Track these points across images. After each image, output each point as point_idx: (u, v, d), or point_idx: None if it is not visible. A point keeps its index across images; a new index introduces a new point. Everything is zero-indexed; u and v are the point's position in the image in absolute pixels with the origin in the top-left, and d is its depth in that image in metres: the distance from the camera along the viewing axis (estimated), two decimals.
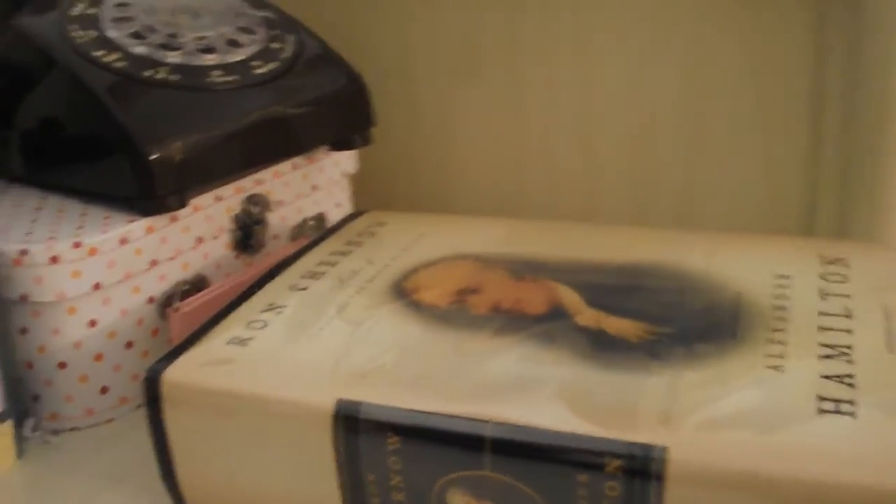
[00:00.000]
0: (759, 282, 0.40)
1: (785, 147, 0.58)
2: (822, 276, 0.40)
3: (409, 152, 0.68)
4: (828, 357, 0.34)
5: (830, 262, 0.42)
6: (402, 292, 0.41)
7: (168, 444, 0.37)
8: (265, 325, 0.39)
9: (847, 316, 0.37)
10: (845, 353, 0.34)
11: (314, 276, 0.44)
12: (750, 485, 0.29)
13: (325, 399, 0.34)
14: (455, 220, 0.50)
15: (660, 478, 0.30)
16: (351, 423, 0.33)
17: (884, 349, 0.34)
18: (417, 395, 0.33)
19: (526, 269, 0.43)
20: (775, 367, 0.33)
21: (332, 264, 0.45)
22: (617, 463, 0.30)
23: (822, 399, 0.31)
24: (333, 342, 0.37)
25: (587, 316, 0.38)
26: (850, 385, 0.32)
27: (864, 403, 0.31)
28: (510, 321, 0.38)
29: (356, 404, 0.33)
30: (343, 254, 0.46)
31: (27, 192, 0.51)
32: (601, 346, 0.36)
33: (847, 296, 0.39)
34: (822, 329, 0.36)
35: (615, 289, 0.40)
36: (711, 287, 0.40)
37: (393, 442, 0.33)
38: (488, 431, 0.31)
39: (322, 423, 0.34)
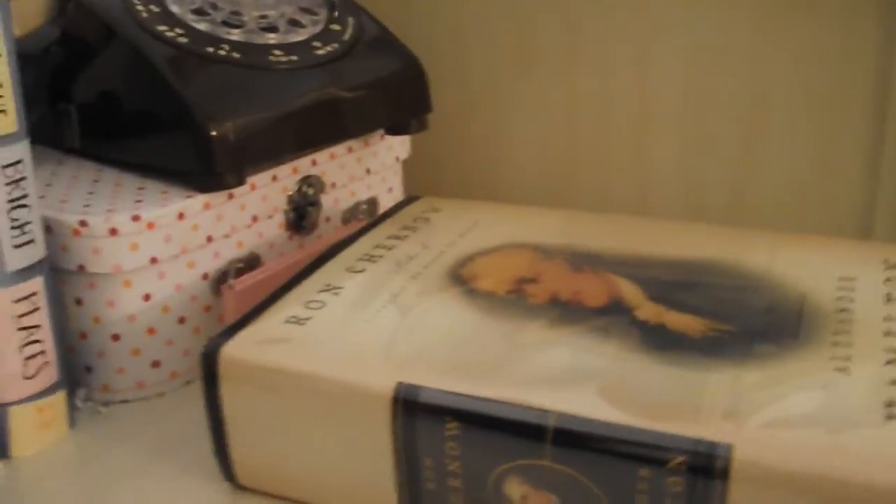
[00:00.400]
0: (822, 284, 0.40)
1: (844, 147, 0.57)
2: (887, 281, 0.40)
3: (461, 140, 0.68)
4: (894, 362, 0.33)
5: (895, 267, 0.41)
6: (459, 279, 0.41)
7: (223, 419, 0.37)
8: (322, 306, 0.39)
9: None
10: None
11: (371, 259, 0.44)
12: (816, 487, 0.28)
13: (385, 382, 0.34)
14: (510, 209, 0.50)
15: (724, 476, 0.29)
16: (410, 407, 0.33)
17: None
18: (476, 381, 0.33)
19: (585, 261, 0.43)
20: (841, 370, 0.33)
21: (389, 248, 0.45)
22: (680, 459, 0.30)
23: (891, 405, 0.31)
24: (390, 325, 0.37)
25: (647, 310, 0.38)
26: None
27: None
28: (569, 312, 0.38)
29: (416, 388, 0.33)
30: (399, 238, 0.46)
31: (84, 164, 0.51)
32: (662, 340, 0.35)
33: None
34: (888, 334, 0.35)
35: (675, 284, 0.40)
36: (773, 286, 0.39)
37: (452, 427, 0.32)
38: (551, 421, 0.31)
39: (381, 407, 0.33)
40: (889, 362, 0.33)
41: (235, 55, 0.49)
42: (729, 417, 0.30)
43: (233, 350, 0.37)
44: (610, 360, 0.34)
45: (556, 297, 0.39)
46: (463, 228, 0.47)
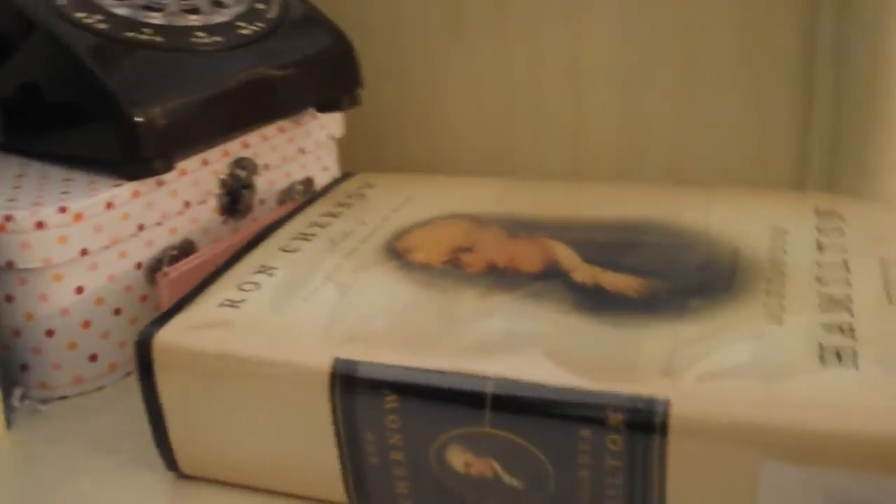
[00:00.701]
0: (755, 236, 0.40)
1: (777, 102, 0.57)
2: (819, 229, 0.40)
3: (397, 114, 0.67)
4: (828, 308, 0.34)
5: (826, 216, 0.42)
6: (395, 253, 0.41)
7: (161, 408, 0.37)
8: (257, 287, 0.39)
9: (845, 268, 0.37)
10: (844, 305, 0.34)
11: (305, 237, 0.43)
12: (754, 436, 0.29)
13: (322, 359, 0.33)
14: (446, 181, 0.50)
15: (663, 431, 0.29)
16: (348, 383, 0.33)
17: (884, 300, 0.34)
18: (414, 353, 0.33)
19: (521, 228, 0.42)
20: (774, 319, 0.33)
21: (323, 226, 0.44)
22: (619, 416, 0.30)
23: (825, 349, 0.31)
24: (327, 303, 0.37)
25: (583, 272, 0.38)
26: (852, 336, 0.32)
27: (867, 354, 0.31)
28: (505, 279, 0.37)
29: (353, 363, 0.33)
30: (333, 215, 0.45)
31: (8, 159, 0.50)
32: (598, 301, 0.35)
33: (844, 249, 0.38)
34: (821, 281, 0.36)
35: (611, 245, 0.40)
36: (708, 242, 0.40)
37: (391, 400, 0.32)
38: (489, 388, 0.31)
39: (319, 384, 0.33)
40: (822, 308, 0.34)
41: (158, 39, 0.48)
42: (665, 373, 0.30)
43: (166, 337, 0.36)
44: (546, 323, 0.34)
45: (493, 264, 0.39)
46: (398, 202, 0.47)
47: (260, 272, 0.40)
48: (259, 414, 0.35)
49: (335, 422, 0.33)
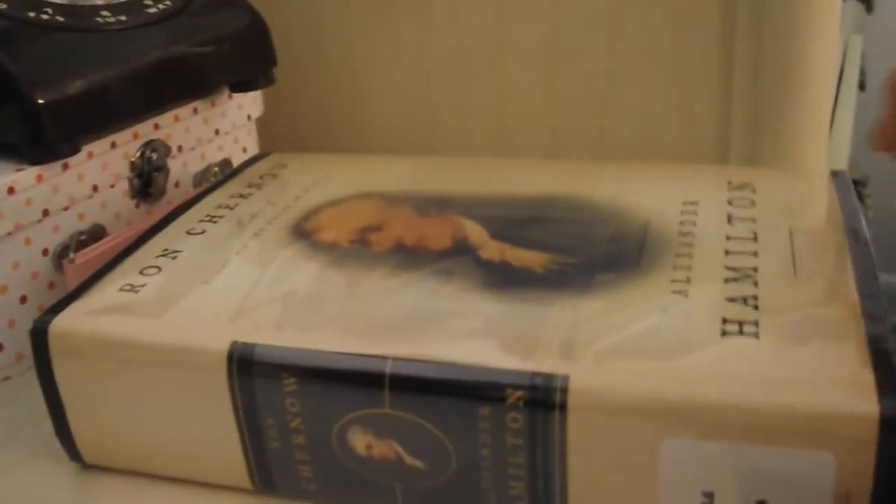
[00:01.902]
0: (666, 209, 0.40)
1: (698, 78, 0.57)
2: (730, 202, 0.40)
3: (317, 94, 0.66)
4: (733, 280, 0.33)
5: (738, 188, 0.42)
6: (303, 233, 0.40)
7: (60, 397, 0.36)
8: (158, 272, 0.38)
9: (753, 239, 0.36)
10: (750, 276, 0.34)
11: (212, 219, 0.42)
12: (652, 411, 0.28)
13: (219, 343, 0.32)
14: (361, 160, 0.49)
15: (563, 408, 0.29)
16: (245, 366, 0.32)
17: (790, 271, 0.34)
18: (314, 335, 0.32)
19: (432, 206, 0.42)
20: (679, 292, 0.33)
21: (232, 207, 0.43)
22: (518, 394, 0.29)
23: (726, 321, 0.31)
24: (228, 287, 0.36)
25: (491, 248, 0.37)
26: (755, 307, 0.32)
27: (768, 325, 0.31)
28: (412, 257, 0.37)
29: (250, 346, 0.32)
30: (243, 196, 0.45)
31: None
32: (503, 278, 0.35)
33: (753, 219, 0.38)
34: (729, 253, 0.36)
35: (521, 221, 0.39)
36: (619, 216, 0.39)
37: (290, 384, 0.31)
38: (386, 368, 0.30)
39: (216, 368, 0.32)
40: (728, 280, 0.34)
41: (59, 19, 0.46)
42: (566, 350, 0.30)
43: (63, 323, 0.35)
44: (451, 301, 0.33)
45: (401, 242, 0.38)
46: (309, 182, 0.46)
47: (163, 255, 0.39)
48: (159, 401, 0.34)
49: (235, 407, 0.33)
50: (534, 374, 0.29)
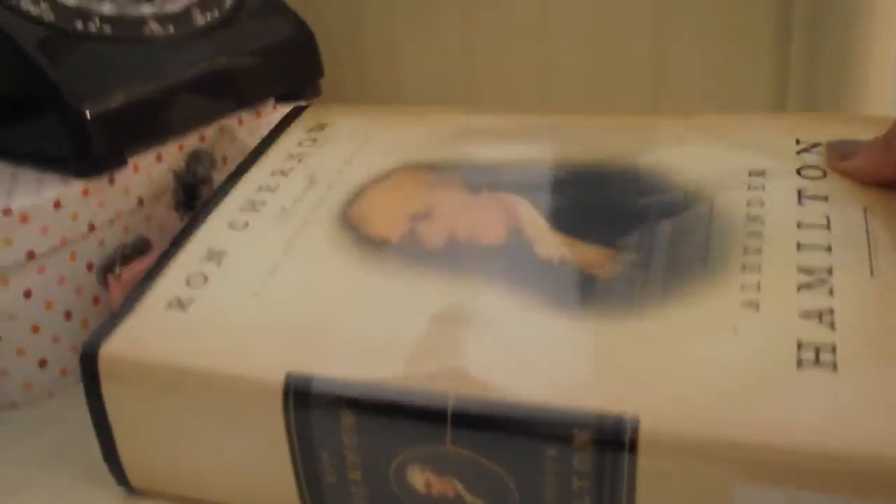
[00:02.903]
0: (731, 183, 0.38)
1: (753, 22, 0.55)
2: (799, 171, 0.38)
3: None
4: (806, 287, 0.32)
5: (807, 149, 0.40)
6: (349, 224, 0.39)
7: (108, 421, 0.35)
8: (205, 281, 0.36)
9: (826, 226, 0.35)
10: (825, 281, 0.32)
11: (254, 206, 0.41)
12: (726, 455, 0.27)
13: (274, 374, 0.31)
14: (402, 114, 0.47)
15: (633, 450, 0.28)
16: (302, 399, 0.31)
17: (865, 272, 0.32)
18: (372, 364, 0.31)
19: (481, 178, 0.40)
20: (750, 305, 0.31)
21: (273, 189, 0.42)
22: (586, 435, 0.28)
23: (801, 346, 0.29)
24: (280, 300, 0.35)
25: (547, 243, 0.36)
26: (830, 325, 0.30)
27: (846, 351, 0.29)
28: (466, 256, 0.36)
29: (307, 379, 0.31)
30: (283, 173, 0.43)
31: None
32: (566, 287, 0.33)
33: (825, 197, 0.36)
34: (801, 247, 0.34)
35: (576, 201, 0.38)
36: (681, 192, 0.38)
37: (348, 417, 0.31)
38: (448, 404, 0.29)
39: (271, 400, 0.31)
40: (801, 287, 0.32)
41: (107, 30, 0.46)
42: (636, 385, 0.29)
43: (112, 348, 0.34)
44: (507, 326, 0.32)
45: (453, 235, 0.37)
46: (352, 149, 0.44)
47: (208, 259, 0.38)
48: (211, 428, 0.33)
49: (290, 439, 0.32)
50: (602, 415, 0.28)
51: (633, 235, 0.35)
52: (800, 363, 0.29)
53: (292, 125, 0.47)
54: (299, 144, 0.45)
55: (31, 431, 0.42)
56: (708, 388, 0.29)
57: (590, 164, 0.40)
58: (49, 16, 0.45)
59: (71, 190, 0.43)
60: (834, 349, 0.29)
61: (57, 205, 0.42)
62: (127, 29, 0.47)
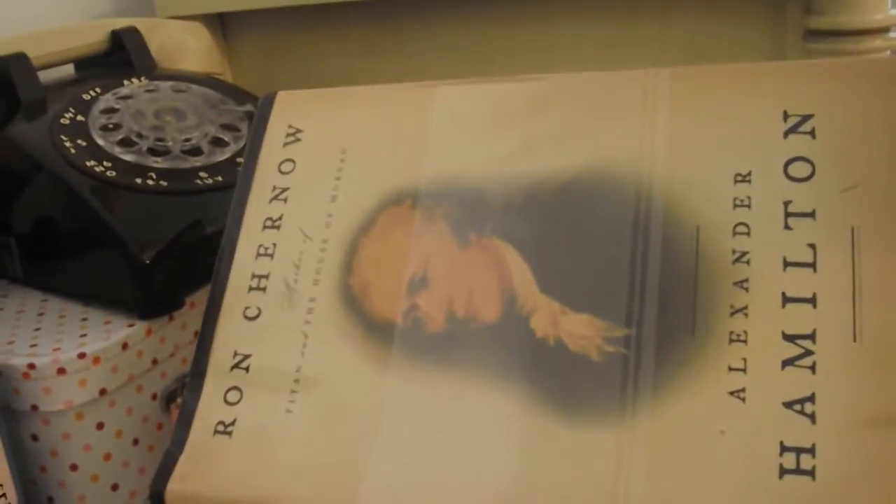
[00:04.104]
0: (716, 195, 0.37)
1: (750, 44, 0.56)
2: (787, 168, 0.37)
3: None
4: (790, 363, 0.34)
5: (795, 128, 0.38)
6: (353, 301, 0.41)
7: None
8: (240, 398, 0.40)
9: (811, 265, 0.35)
10: (808, 353, 0.34)
11: (259, 285, 0.43)
12: None
13: None
14: (378, 111, 0.45)
15: None
16: None
17: (848, 337, 0.34)
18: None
19: (467, 216, 0.40)
20: (737, 395, 0.34)
21: (270, 254, 0.43)
22: None
23: (784, 449, 0.33)
24: (311, 421, 0.38)
25: (542, 315, 0.37)
26: (812, 418, 0.33)
27: (825, 453, 0.32)
28: (466, 343, 0.38)
29: None
30: (273, 223, 0.44)
31: (28, 293, 0.54)
32: (563, 378, 0.36)
33: (811, 214, 0.36)
34: (786, 300, 0.35)
35: (561, 246, 0.38)
36: (665, 219, 0.37)
37: None
38: None
39: None
40: (785, 364, 0.34)
41: (162, 183, 0.51)
42: None
43: (174, 488, 0.39)
44: (517, 446, 0.35)
45: (452, 311, 0.39)
46: (332, 174, 0.44)
47: (236, 367, 0.41)
48: None
49: None
50: None
51: (621, 291, 0.37)
52: (781, 472, 0.32)
53: (266, 136, 0.46)
54: (279, 167, 0.45)
55: None
56: None
57: (566, 182, 0.40)
58: (111, 173, 0.51)
59: (136, 331, 0.48)
60: (813, 451, 0.32)
61: (125, 346, 0.48)
62: (180, 181, 0.52)
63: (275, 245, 0.43)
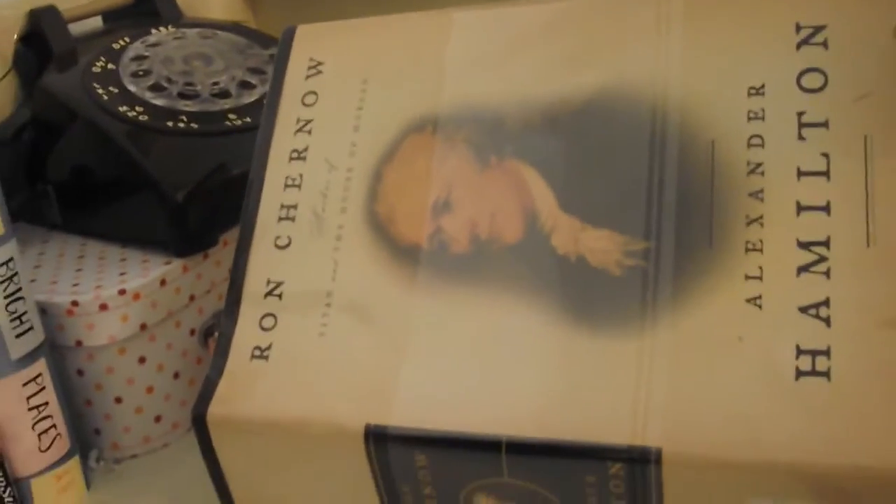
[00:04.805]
0: (731, 108, 0.38)
1: None
2: (800, 80, 0.37)
3: None
4: (805, 270, 0.35)
5: (807, 40, 0.38)
6: (379, 226, 0.41)
7: (221, 469, 0.41)
8: (275, 324, 0.41)
9: (825, 174, 0.36)
10: (823, 259, 0.34)
11: (288, 213, 0.43)
12: (735, 473, 0.33)
13: (355, 424, 0.37)
14: (396, 40, 0.45)
15: (658, 473, 0.33)
16: (381, 446, 0.37)
17: (862, 242, 0.34)
18: (437, 413, 0.37)
19: (487, 140, 0.41)
20: (754, 302, 0.35)
21: (298, 185, 0.44)
22: (618, 465, 0.34)
23: (800, 352, 0.34)
24: (344, 341, 0.40)
25: (564, 234, 0.38)
26: (827, 321, 0.34)
27: (840, 356, 0.33)
28: (490, 259, 0.39)
29: (383, 428, 0.37)
30: (300, 155, 0.44)
31: (68, 239, 0.56)
32: (585, 292, 0.37)
33: (825, 124, 0.36)
34: (800, 210, 0.35)
35: (580, 165, 0.39)
36: (681, 134, 0.38)
37: (421, 459, 0.37)
38: (503, 446, 0.35)
39: (356, 445, 0.38)
40: (800, 270, 0.35)
41: (194, 125, 0.53)
42: (655, 415, 0.34)
43: (215, 411, 0.40)
44: (539, 357, 0.37)
45: (476, 233, 0.40)
46: (354, 105, 0.44)
47: (269, 294, 0.42)
48: (307, 470, 0.39)
49: (374, 477, 0.38)
50: (629, 449, 0.34)
51: (639, 207, 0.37)
52: (798, 374, 0.34)
53: (288, 70, 0.47)
54: (303, 98, 0.46)
55: (152, 478, 0.49)
56: (717, 412, 0.34)
57: (587, 100, 0.40)
58: (144, 117, 0.52)
59: (173, 268, 0.50)
60: (829, 353, 0.33)
61: (163, 282, 0.49)
62: (210, 123, 0.53)
63: (301, 176, 0.44)
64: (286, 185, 0.44)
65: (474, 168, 0.41)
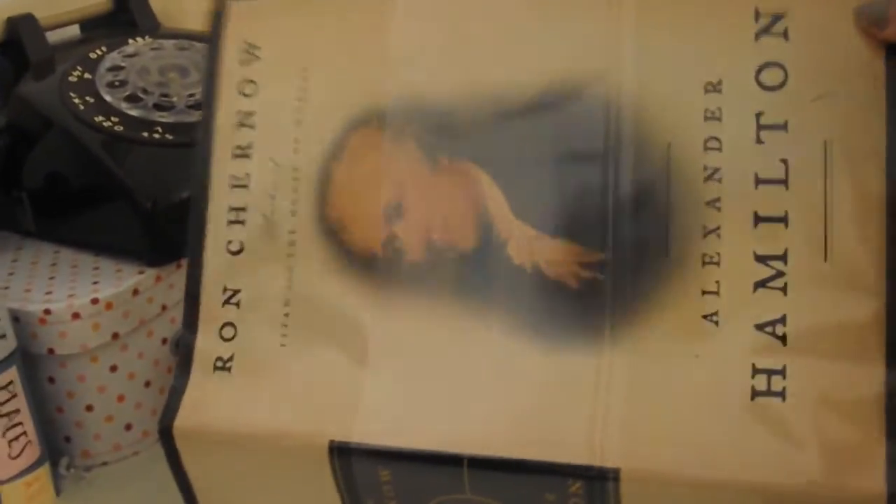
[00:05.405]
0: (687, 106, 0.36)
1: None
2: (759, 74, 0.35)
3: None
4: (762, 285, 0.35)
5: (767, 29, 0.36)
6: (331, 232, 0.40)
7: (188, 479, 0.42)
8: (235, 332, 0.41)
9: (783, 182, 0.35)
10: (780, 274, 0.34)
11: (238, 216, 0.41)
12: (692, 491, 0.34)
13: (319, 440, 0.38)
14: (337, 21, 0.41)
15: (616, 493, 0.34)
16: (345, 461, 0.37)
17: (819, 257, 0.34)
18: (397, 432, 0.37)
19: (437, 139, 0.39)
20: (711, 319, 0.35)
21: (245, 184, 0.41)
22: (577, 484, 0.35)
23: (756, 371, 0.34)
24: (305, 355, 0.39)
25: (518, 243, 0.37)
26: (783, 339, 0.34)
27: (795, 375, 0.34)
28: (445, 268, 0.38)
29: (346, 444, 0.37)
30: (244, 153, 0.41)
31: (42, 246, 0.56)
32: (542, 304, 0.37)
33: (783, 126, 0.35)
34: (758, 219, 0.35)
35: (532, 168, 0.37)
36: (636, 135, 0.36)
37: (385, 475, 0.37)
38: (465, 464, 0.36)
39: (320, 459, 0.38)
40: (756, 286, 0.35)
41: (168, 136, 0.53)
42: (614, 436, 0.35)
43: (181, 424, 0.40)
44: (499, 373, 0.37)
45: (429, 240, 0.38)
46: (294, 96, 0.41)
47: (227, 302, 0.41)
48: (272, 481, 0.40)
49: (339, 489, 0.39)
50: (588, 468, 0.34)
51: (594, 214, 0.36)
52: (754, 394, 0.34)
53: (222, 56, 0.42)
54: (242, 93, 0.42)
55: (121, 486, 0.49)
56: (674, 430, 0.34)
57: (540, 92, 0.38)
58: (119, 128, 0.53)
59: (146, 278, 0.50)
60: (784, 373, 0.34)
61: (135, 292, 0.50)
62: (184, 134, 0.54)
63: (248, 175, 0.41)
64: (232, 186, 0.41)
65: (424, 169, 0.39)
